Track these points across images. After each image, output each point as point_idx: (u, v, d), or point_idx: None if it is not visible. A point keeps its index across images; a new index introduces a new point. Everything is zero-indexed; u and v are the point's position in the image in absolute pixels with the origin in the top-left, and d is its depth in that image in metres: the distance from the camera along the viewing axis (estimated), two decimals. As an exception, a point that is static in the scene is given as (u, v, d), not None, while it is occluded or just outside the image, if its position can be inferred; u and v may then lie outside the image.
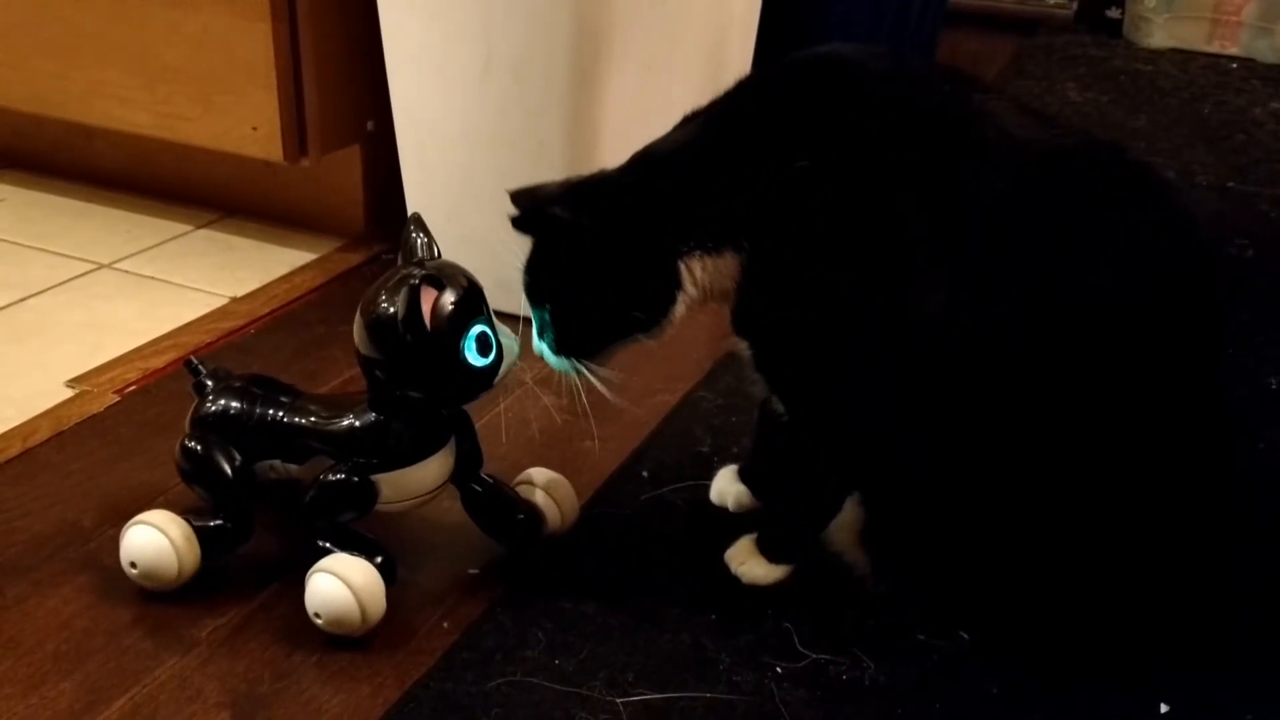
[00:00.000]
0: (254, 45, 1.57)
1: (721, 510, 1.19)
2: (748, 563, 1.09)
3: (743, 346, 1.03)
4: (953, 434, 0.97)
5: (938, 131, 0.97)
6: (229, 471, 1.05)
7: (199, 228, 1.80)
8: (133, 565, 1.04)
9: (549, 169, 1.47)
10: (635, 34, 1.44)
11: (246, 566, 1.08)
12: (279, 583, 1.07)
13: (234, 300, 1.60)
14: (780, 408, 1.04)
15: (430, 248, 1.03)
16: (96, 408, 1.34)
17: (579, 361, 1.03)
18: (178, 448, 1.07)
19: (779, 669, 0.99)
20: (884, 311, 0.95)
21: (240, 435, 1.06)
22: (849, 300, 0.96)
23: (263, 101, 1.60)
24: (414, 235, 1.03)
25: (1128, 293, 0.94)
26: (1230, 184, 2.04)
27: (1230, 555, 1.07)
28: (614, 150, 1.46)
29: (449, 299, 0.97)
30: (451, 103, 1.49)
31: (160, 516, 1.04)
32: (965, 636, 1.02)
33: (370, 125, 1.70)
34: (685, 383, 1.41)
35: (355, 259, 1.71)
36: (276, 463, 1.07)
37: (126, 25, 1.65)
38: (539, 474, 1.14)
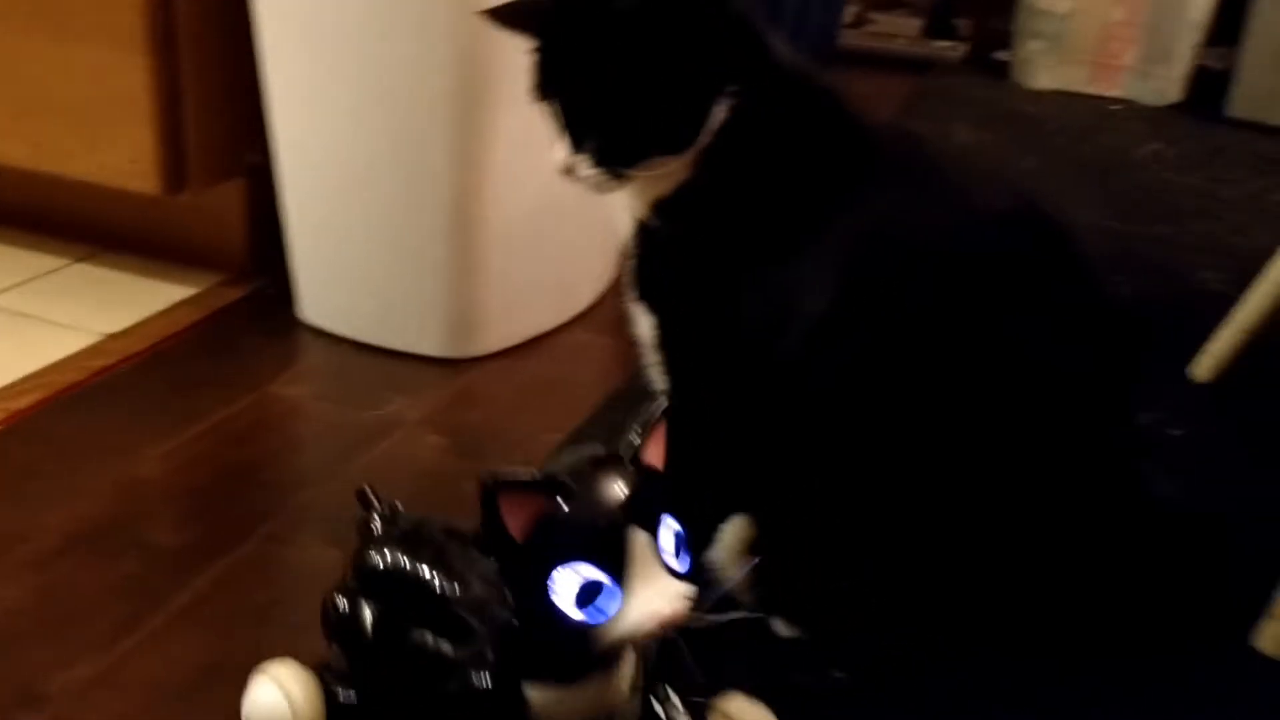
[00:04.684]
0: (131, 78, 1.53)
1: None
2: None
3: (646, 324, 1.03)
4: (841, 454, 0.97)
5: (828, 140, 0.98)
6: (370, 636, 0.88)
7: (75, 261, 1.74)
8: None
9: (436, 202, 1.45)
10: (524, 63, 1.42)
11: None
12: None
13: (108, 337, 1.54)
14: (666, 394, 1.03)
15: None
16: (-44, 451, 1.28)
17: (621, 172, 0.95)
18: (326, 595, 0.90)
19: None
20: (767, 314, 0.95)
21: (399, 595, 0.88)
22: (736, 300, 0.96)
23: (140, 135, 1.55)
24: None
25: (1011, 313, 0.95)
26: (1109, 223, 2.08)
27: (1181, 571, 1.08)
28: (507, 181, 1.45)
29: None
30: (333, 137, 1.46)
31: (286, 672, 0.89)
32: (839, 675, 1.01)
33: (252, 159, 1.67)
34: (574, 420, 1.39)
35: (235, 294, 1.66)
36: (428, 634, 0.86)
37: (0, 56, 1.60)
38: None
